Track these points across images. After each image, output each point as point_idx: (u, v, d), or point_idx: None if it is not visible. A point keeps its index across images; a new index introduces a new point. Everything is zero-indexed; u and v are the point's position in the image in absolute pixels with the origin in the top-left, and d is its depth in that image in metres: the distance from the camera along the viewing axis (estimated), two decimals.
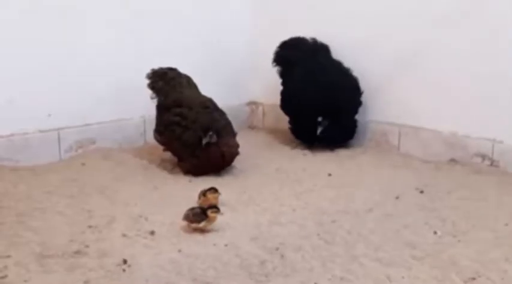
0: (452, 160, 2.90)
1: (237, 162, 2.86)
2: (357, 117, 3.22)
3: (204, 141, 2.63)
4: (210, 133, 2.63)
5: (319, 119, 3.06)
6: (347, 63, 3.20)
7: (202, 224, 2.04)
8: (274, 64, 3.31)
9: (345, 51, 3.24)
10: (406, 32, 3.03)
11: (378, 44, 3.14)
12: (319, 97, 3.06)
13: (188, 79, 2.87)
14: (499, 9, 2.72)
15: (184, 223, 2.07)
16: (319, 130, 3.07)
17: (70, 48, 2.86)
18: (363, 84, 3.21)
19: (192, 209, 2.08)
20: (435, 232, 2.07)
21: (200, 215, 2.05)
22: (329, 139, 3.13)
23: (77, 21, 2.88)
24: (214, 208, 2.08)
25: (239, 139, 2.80)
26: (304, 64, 3.19)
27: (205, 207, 2.12)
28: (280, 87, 3.29)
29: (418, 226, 2.12)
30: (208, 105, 2.76)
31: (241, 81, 3.65)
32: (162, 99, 2.81)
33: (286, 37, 3.33)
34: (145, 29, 3.14)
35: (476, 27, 2.79)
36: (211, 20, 3.45)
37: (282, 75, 3.31)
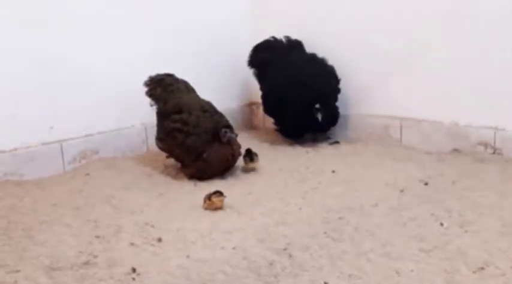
0: (455, 150, 2.90)
1: (240, 163, 2.87)
2: (357, 111, 3.25)
3: (226, 137, 2.62)
4: (230, 129, 2.64)
5: (317, 106, 3.09)
6: (348, 59, 3.22)
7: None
8: (250, 66, 3.39)
9: (344, 47, 3.25)
10: (405, 25, 3.03)
11: (377, 39, 3.14)
12: (298, 91, 3.10)
13: (186, 84, 2.88)
14: None
15: (206, 203, 2.28)
16: (319, 116, 3.09)
17: (69, 60, 2.86)
18: (363, 79, 3.22)
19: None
20: (442, 224, 2.07)
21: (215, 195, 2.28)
22: (315, 128, 3.18)
23: (76, 32, 2.87)
24: (219, 192, 2.28)
25: (240, 140, 2.80)
26: (278, 62, 3.25)
27: (211, 209, 2.22)
28: (260, 93, 3.36)
29: (425, 219, 2.12)
30: (208, 109, 2.76)
31: (241, 82, 3.64)
32: (161, 106, 2.81)
33: (287, 35, 3.37)
34: (142, 34, 3.14)
35: (474, 15, 2.78)
36: (210, 21, 3.46)
37: (259, 79, 3.38)
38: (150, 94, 2.83)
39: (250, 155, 2.80)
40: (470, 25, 2.80)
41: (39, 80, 2.77)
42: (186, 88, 2.86)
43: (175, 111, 2.74)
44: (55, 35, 2.80)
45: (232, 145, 2.69)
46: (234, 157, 2.73)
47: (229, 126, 2.67)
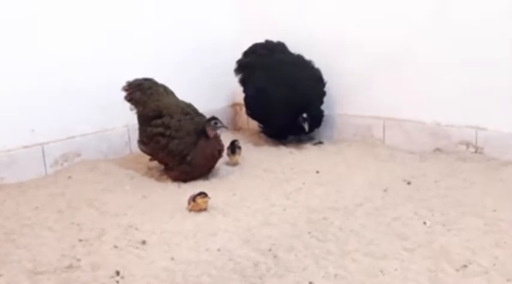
0: (437, 150, 2.93)
1: (225, 164, 2.86)
2: (340, 111, 3.27)
3: (216, 128, 2.64)
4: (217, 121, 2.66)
5: (304, 115, 3.08)
6: (332, 59, 3.24)
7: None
8: (236, 73, 3.40)
9: (328, 48, 3.27)
10: (388, 28, 3.05)
11: (360, 40, 3.15)
12: (285, 95, 3.10)
13: (165, 88, 2.86)
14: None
15: (190, 205, 2.28)
16: (306, 126, 3.09)
17: (48, 61, 2.83)
18: (346, 80, 3.24)
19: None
20: (425, 223, 2.09)
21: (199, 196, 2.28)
22: (300, 132, 3.18)
23: (54, 33, 2.85)
24: (203, 194, 2.27)
25: (224, 141, 2.80)
26: (262, 65, 3.26)
27: (195, 211, 2.23)
28: (243, 95, 3.38)
29: (408, 218, 2.14)
30: (189, 111, 2.75)
31: (224, 83, 3.63)
32: (141, 109, 2.79)
33: (272, 36, 3.39)
34: (123, 33, 3.11)
35: (456, 18, 2.82)
36: (194, 20, 3.45)
37: (243, 82, 3.39)
38: (130, 98, 2.81)
39: (232, 147, 2.86)
40: (453, 28, 2.83)
41: (19, 82, 2.74)
42: (165, 91, 2.84)
43: (155, 114, 2.73)
44: (33, 35, 2.77)
45: (218, 139, 2.70)
46: (221, 153, 2.74)
47: (216, 118, 2.68)
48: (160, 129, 2.69)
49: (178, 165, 2.68)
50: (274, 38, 3.41)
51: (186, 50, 3.42)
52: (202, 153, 2.66)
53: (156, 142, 2.70)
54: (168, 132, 2.67)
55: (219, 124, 2.66)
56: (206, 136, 2.65)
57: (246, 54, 3.42)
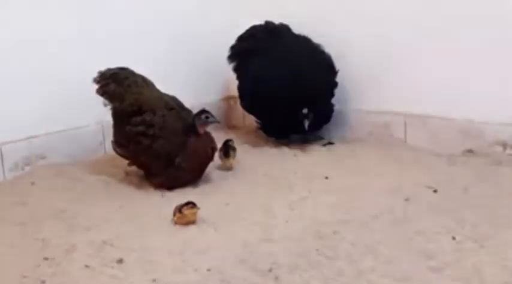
0: (469, 151, 2.94)
1: (216, 168, 2.86)
2: (354, 106, 3.28)
3: (207, 123, 2.67)
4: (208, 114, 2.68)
5: (305, 111, 3.08)
6: (346, 44, 3.24)
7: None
8: (230, 60, 3.40)
9: (339, 31, 3.26)
10: (409, 5, 3.05)
11: (378, 20, 3.15)
12: (285, 84, 3.10)
13: (143, 78, 2.85)
14: None
15: (176, 217, 2.28)
16: (306, 124, 3.09)
17: (7, 51, 2.83)
18: (359, 69, 3.24)
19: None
20: (454, 238, 2.09)
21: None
22: (305, 130, 3.17)
23: (13, 16, 2.85)
24: (191, 204, 2.26)
25: (216, 141, 2.79)
26: (261, 50, 3.27)
27: (182, 224, 2.23)
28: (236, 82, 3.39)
29: (434, 232, 2.14)
30: (173, 105, 2.76)
31: (216, 72, 3.64)
32: (117, 105, 2.78)
33: (273, 17, 3.39)
34: (96, 13, 3.12)
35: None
36: (179, 3, 3.45)
37: (238, 70, 3.40)
38: (103, 92, 2.79)
39: (226, 148, 2.86)
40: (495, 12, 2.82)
41: None
42: (144, 82, 2.83)
43: (134, 109, 2.73)
44: None
45: (210, 136, 2.71)
46: (213, 152, 2.75)
47: (206, 111, 2.69)
48: (141, 128, 2.69)
49: (164, 170, 2.68)
50: (276, 19, 3.40)
51: (170, 33, 3.42)
52: (194, 154, 2.67)
53: (137, 144, 2.70)
54: (150, 131, 2.68)
55: (210, 119, 2.67)
56: (196, 133, 2.66)
57: (242, 38, 3.42)
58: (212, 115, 2.69)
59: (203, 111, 2.68)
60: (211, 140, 2.73)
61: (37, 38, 2.92)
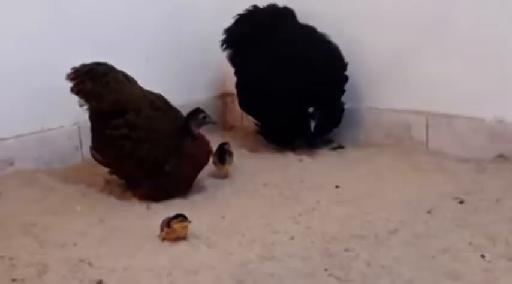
0: (500, 157, 2.94)
1: (210, 176, 2.87)
2: (368, 104, 3.30)
3: (204, 123, 2.69)
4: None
5: (311, 110, 3.09)
6: (358, 33, 3.26)
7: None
8: (224, 46, 3.40)
9: (350, 17, 3.28)
10: None
11: (398, 5, 3.16)
12: (290, 82, 3.11)
13: (124, 74, 2.84)
14: None
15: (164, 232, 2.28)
16: (312, 125, 3.10)
17: None
18: (374, 61, 3.25)
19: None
20: (483, 256, 2.09)
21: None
22: (311, 133, 3.18)
23: None
24: (181, 217, 2.26)
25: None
26: (262, 39, 3.27)
27: (171, 240, 2.23)
28: (234, 79, 3.40)
29: (460, 249, 2.15)
30: (159, 105, 2.76)
31: (210, 66, 3.66)
32: (95, 105, 2.77)
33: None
34: (76, 5, 3.14)
35: None
36: None
37: (235, 62, 3.40)
38: (78, 90, 2.77)
39: (221, 153, 2.87)
40: None
41: None
42: (125, 78, 2.83)
43: (115, 110, 2.73)
44: None
45: (204, 138, 2.73)
46: (208, 156, 2.77)
47: (202, 111, 2.70)
48: (123, 130, 2.70)
49: (150, 178, 2.69)
50: (281, 2, 3.41)
51: (154, 18, 3.42)
52: (189, 160, 2.68)
53: (119, 148, 2.71)
54: (134, 134, 2.68)
55: (207, 119, 2.68)
56: (192, 135, 2.67)
57: (239, 21, 3.40)
58: (209, 116, 2.70)
59: (199, 111, 2.69)
60: (206, 143, 2.74)
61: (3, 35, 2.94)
